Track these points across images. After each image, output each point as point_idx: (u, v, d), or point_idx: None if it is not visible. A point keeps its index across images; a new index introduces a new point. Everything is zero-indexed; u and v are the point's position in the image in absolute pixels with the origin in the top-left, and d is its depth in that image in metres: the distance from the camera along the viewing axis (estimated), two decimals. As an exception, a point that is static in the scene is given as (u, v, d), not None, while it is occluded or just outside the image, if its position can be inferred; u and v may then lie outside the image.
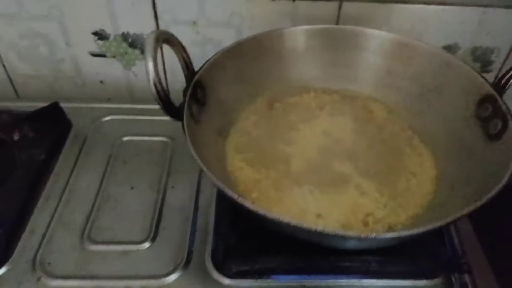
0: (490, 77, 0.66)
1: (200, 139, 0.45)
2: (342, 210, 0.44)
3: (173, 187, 0.55)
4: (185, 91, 0.46)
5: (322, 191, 0.46)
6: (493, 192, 0.36)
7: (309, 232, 0.34)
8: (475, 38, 0.62)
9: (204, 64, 0.49)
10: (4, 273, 0.46)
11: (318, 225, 0.33)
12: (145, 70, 0.68)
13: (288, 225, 0.34)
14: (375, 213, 0.44)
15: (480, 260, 0.47)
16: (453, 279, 0.45)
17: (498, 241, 0.50)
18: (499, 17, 0.59)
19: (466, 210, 0.34)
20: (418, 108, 0.53)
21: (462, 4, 0.58)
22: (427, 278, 0.46)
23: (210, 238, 0.49)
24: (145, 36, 0.63)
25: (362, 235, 0.33)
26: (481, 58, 0.64)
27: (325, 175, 0.47)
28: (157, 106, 0.66)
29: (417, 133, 0.52)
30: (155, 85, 0.41)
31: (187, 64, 0.48)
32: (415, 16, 0.60)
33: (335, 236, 0.34)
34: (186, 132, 0.41)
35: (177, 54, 0.47)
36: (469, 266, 0.45)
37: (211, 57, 0.50)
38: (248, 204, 0.35)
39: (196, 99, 0.46)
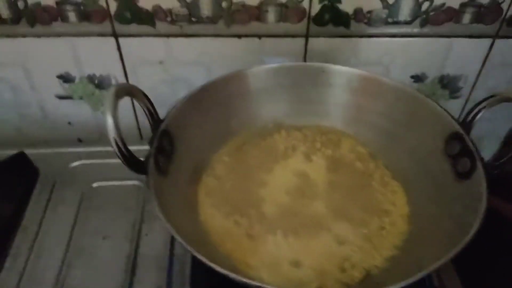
0: (460, 103, 0.67)
1: (169, 192, 0.44)
2: (317, 256, 0.44)
3: (147, 234, 0.54)
4: (150, 142, 0.45)
5: (296, 237, 0.45)
6: (461, 245, 0.36)
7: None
8: (442, 67, 0.63)
9: (169, 112, 0.48)
10: None
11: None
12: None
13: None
14: (351, 258, 0.44)
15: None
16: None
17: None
18: (464, 46, 0.60)
19: (425, 271, 0.34)
20: (389, 144, 0.53)
21: (427, 36, 0.59)
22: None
23: (186, 289, 0.48)
24: (111, 78, 0.62)
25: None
26: (449, 86, 0.65)
27: (298, 219, 0.47)
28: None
29: (390, 170, 0.52)
30: (116, 143, 0.39)
31: (151, 114, 0.47)
32: (381, 49, 0.60)
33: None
34: (153, 191, 0.40)
35: (141, 105, 0.46)
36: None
37: (176, 104, 0.49)
38: (223, 271, 0.35)
39: (162, 150, 0.45)
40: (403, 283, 0.34)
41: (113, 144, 0.39)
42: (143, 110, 0.47)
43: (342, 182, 0.51)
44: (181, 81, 0.63)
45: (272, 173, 0.52)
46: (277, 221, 0.47)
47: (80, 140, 0.70)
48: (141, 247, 0.52)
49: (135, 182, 0.59)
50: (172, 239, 0.53)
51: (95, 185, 0.59)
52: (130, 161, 0.41)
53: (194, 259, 0.50)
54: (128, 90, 0.43)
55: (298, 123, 0.57)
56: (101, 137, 0.70)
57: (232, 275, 0.35)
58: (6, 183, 0.56)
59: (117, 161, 0.62)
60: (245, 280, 0.35)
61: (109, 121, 0.39)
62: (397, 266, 0.43)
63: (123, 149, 0.40)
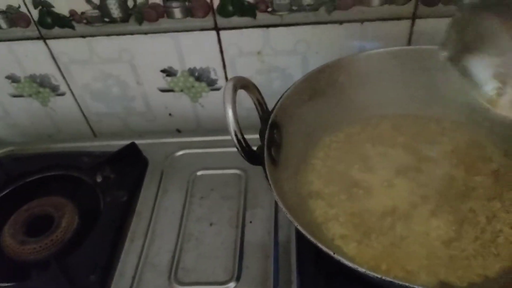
0: None
1: (280, 183, 0.45)
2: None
3: (251, 222, 0.55)
4: (261, 133, 0.46)
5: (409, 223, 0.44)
6: None
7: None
8: None
9: (277, 103, 0.48)
10: (100, 318, 0.48)
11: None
12: (211, 101, 0.69)
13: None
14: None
15: None
16: None
17: None
18: None
19: None
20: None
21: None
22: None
23: (293, 277, 0.49)
24: (211, 70, 0.64)
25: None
26: None
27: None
28: (225, 137, 0.67)
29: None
30: (236, 134, 0.41)
31: (261, 106, 0.48)
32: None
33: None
34: (271, 182, 0.41)
35: (251, 97, 0.47)
36: None
37: (283, 94, 0.49)
38: (347, 263, 0.34)
39: (273, 141, 0.46)
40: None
41: (233, 136, 0.41)
42: (253, 101, 0.48)
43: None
44: (277, 71, 0.63)
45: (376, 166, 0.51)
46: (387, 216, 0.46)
47: (179, 131, 0.73)
48: (246, 234, 0.54)
49: (236, 171, 0.61)
50: (276, 227, 0.54)
51: (199, 173, 0.62)
52: (247, 152, 0.42)
53: (299, 248, 0.51)
54: (243, 83, 0.44)
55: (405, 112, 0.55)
56: (198, 128, 0.73)
57: (349, 263, 0.35)
58: (121, 171, 0.60)
59: (216, 150, 0.66)
60: (355, 266, 0.34)
61: (229, 113, 0.40)
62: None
63: (242, 141, 0.41)
